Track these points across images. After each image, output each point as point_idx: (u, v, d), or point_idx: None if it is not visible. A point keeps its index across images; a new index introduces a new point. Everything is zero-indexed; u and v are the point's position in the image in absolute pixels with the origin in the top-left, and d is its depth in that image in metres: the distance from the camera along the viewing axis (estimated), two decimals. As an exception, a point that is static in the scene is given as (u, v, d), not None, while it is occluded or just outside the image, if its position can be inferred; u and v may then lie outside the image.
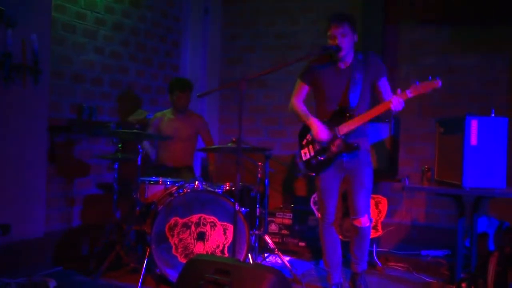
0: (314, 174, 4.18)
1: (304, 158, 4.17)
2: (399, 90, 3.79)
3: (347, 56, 3.98)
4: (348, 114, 3.96)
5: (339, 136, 3.98)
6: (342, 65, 4.01)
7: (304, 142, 4.18)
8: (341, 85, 3.99)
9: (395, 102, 3.76)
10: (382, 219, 5.07)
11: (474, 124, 3.95)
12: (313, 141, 4.11)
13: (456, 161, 4.04)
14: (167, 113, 5.52)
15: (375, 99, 4.12)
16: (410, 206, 5.74)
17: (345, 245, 4.60)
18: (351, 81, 3.95)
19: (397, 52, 6.16)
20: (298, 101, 4.20)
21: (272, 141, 6.57)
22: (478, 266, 4.19)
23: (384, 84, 4.03)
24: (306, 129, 4.17)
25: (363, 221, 4.04)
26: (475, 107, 5.54)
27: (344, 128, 3.96)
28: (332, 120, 4.02)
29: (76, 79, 5.19)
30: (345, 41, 3.89)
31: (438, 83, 3.70)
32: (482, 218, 5.14)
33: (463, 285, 4.10)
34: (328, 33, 3.93)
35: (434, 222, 5.90)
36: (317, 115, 4.12)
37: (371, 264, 5.04)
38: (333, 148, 4.01)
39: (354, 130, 3.96)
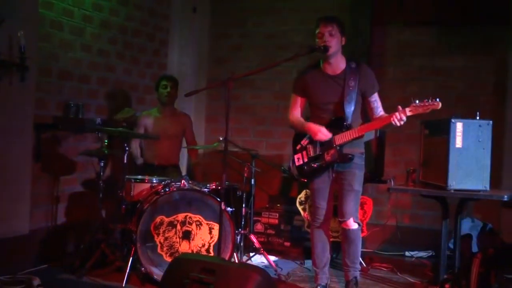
0: (305, 180, 4.20)
1: (297, 164, 4.19)
2: (399, 107, 3.77)
3: (335, 59, 3.99)
4: (345, 124, 3.95)
5: (334, 145, 3.99)
6: (330, 71, 4.02)
7: (298, 147, 4.19)
8: (336, 93, 3.99)
9: (395, 119, 3.76)
10: (367, 220, 5.10)
11: (459, 126, 3.98)
12: (307, 147, 4.13)
13: (441, 163, 4.06)
14: (154, 112, 5.52)
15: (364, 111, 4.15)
16: (395, 207, 5.77)
17: (334, 246, 4.61)
18: (346, 90, 3.94)
19: (385, 53, 6.19)
20: (294, 113, 4.20)
21: (259, 140, 6.57)
22: (462, 267, 4.23)
23: (376, 100, 4.05)
24: (300, 134, 4.18)
25: (350, 223, 4.02)
26: (461, 109, 5.56)
27: (340, 139, 3.96)
28: (328, 129, 4.01)
29: (63, 76, 5.16)
30: (332, 40, 3.91)
31: (439, 104, 3.71)
32: (466, 219, 5.18)
33: (447, 286, 4.14)
34: (316, 31, 3.95)
35: (419, 223, 5.94)
36: (312, 122, 4.13)
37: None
38: (328, 157, 4.01)
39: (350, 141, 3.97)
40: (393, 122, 3.77)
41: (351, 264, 4.09)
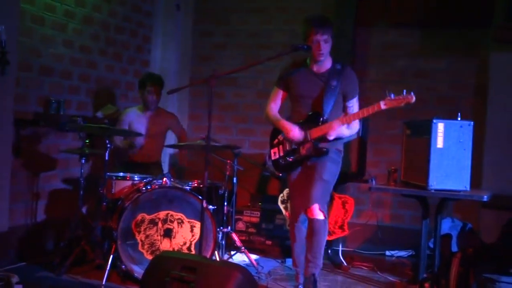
0: (281, 174, 4.22)
1: (273, 158, 4.22)
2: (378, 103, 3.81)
3: (324, 60, 4.04)
4: (321, 119, 3.99)
5: (309, 140, 4.01)
6: (316, 69, 4.07)
7: (275, 141, 4.23)
8: (316, 89, 4.03)
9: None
10: (348, 219, 5.11)
11: (440, 127, 4.01)
12: (283, 142, 4.16)
13: (422, 163, 4.09)
14: (137, 109, 5.48)
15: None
16: (376, 206, 5.80)
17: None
18: (327, 88, 3.99)
19: (368, 54, 6.22)
20: (271, 107, 4.24)
21: (241, 139, 6.57)
22: (441, 266, 4.27)
23: (352, 106, 4.08)
24: (278, 129, 4.21)
25: (314, 211, 3.91)
26: (443, 110, 5.62)
27: (315, 133, 3.99)
28: (305, 123, 4.06)
29: (44, 72, 5.10)
30: (327, 47, 3.98)
31: (412, 98, 3.75)
32: (446, 219, 5.22)
33: (426, 285, 4.17)
34: (310, 37, 3.96)
35: (399, 222, 5.97)
36: (292, 117, 4.17)
37: (337, 263, 5.09)
38: (303, 151, 4.04)
39: (325, 135, 3.98)
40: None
41: (311, 259, 3.98)
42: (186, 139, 5.65)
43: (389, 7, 6.05)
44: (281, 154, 4.16)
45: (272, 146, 4.25)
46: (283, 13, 6.53)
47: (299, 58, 4.19)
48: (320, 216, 3.93)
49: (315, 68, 4.08)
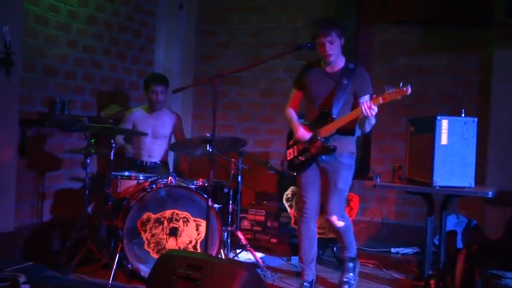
0: (295, 173, 4.29)
1: (288, 158, 4.33)
2: (374, 95, 3.84)
3: (336, 60, 4.10)
4: (329, 118, 4.04)
5: (319, 138, 4.05)
6: (329, 69, 4.13)
7: (291, 142, 4.33)
8: (328, 88, 4.09)
9: (364, 107, 3.81)
10: (353, 216, 5.11)
11: (444, 124, 4.02)
12: (298, 142, 4.23)
13: (426, 160, 4.10)
14: (143, 109, 5.46)
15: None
16: (381, 203, 5.80)
17: (320, 242, 4.63)
18: (339, 86, 4.04)
19: (370, 52, 6.22)
20: (289, 108, 4.36)
21: (245, 137, 6.56)
22: (447, 263, 4.27)
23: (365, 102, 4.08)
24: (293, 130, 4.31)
25: (334, 222, 4.11)
26: (446, 107, 5.64)
27: (324, 132, 4.05)
28: (316, 122, 4.13)
29: (48, 72, 5.12)
30: (333, 47, 4.02)
31: (408, 90, 3.75)
32: (451, 216, 5.23)
33: (431, 281, 4.17)
34: (317, 40, 4.02)
35: (404, 220, 5.98)
36: (306, 117, 4.27)
37: (342, 261, 5.09)
38: (313, 150, 4.12)
39: (334, 133, 4.04)
40: (363, 111, 3.82)
41: (346, 248, 4.27)
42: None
43: (390, 5, 6.06)
44: (295, 154, 4.26)
45: (288, 147, 4.36)
46: (283, 11, 6.54)
47: (314, 58, 4.23)
48: (339, 224, 4.13)
49: (328, 69, 4.13)
